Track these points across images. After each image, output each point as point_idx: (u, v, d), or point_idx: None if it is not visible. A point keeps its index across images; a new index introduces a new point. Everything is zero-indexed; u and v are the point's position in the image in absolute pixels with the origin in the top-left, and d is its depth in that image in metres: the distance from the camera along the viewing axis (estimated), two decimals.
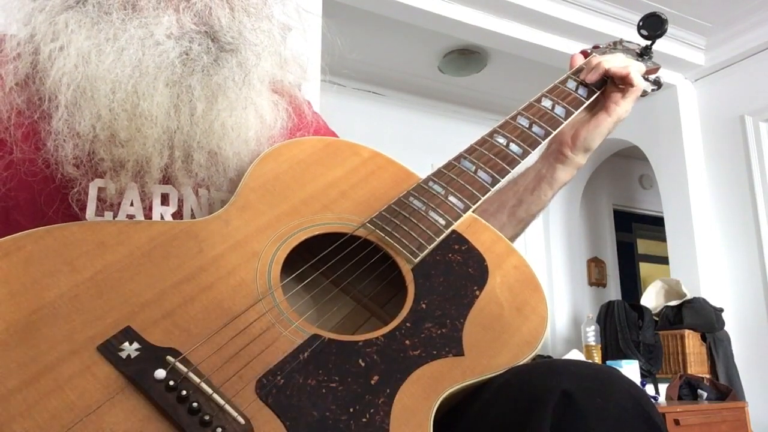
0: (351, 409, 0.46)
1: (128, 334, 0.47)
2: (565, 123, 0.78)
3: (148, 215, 0.65)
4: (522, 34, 2.83)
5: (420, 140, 3.38)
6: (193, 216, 0.67)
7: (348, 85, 3.38)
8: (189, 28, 0.64)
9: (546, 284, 3.90)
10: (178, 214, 0.66)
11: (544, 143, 0.76)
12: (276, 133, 0.73)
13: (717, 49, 3.12)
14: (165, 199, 0.66)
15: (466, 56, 3.22)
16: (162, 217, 0.65)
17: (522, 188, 0.83)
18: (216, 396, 0.44)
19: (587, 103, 0.82)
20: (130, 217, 0.64)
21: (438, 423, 0.49)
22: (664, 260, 3.47)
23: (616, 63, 0.81)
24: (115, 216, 0.63)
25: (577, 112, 0.79)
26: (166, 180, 0.66)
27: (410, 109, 3.60)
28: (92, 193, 0.63)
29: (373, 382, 0.49)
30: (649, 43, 0.90)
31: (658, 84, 0.90)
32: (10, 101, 0.62)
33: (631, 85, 0.80)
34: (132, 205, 0.64)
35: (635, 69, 0.81)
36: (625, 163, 4.34)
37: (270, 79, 0.74)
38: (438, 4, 2.63)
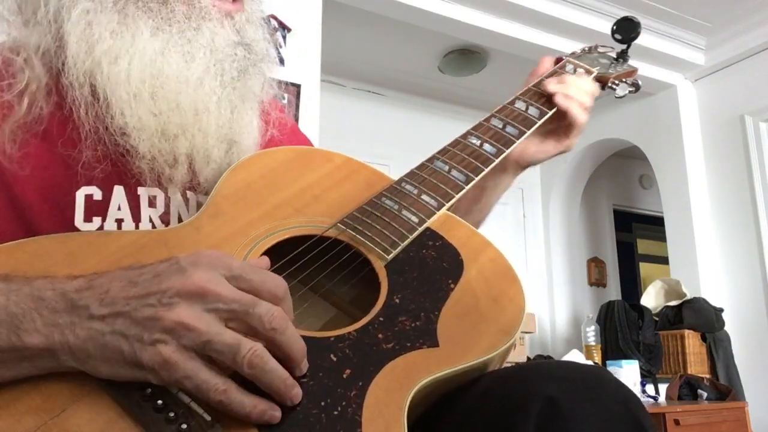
0: (322, 403, 0.45)
1: None
2: (540, 122, 0.80)
3: (136, 218, 0.65)
4: (522, 34, 2.83)
5: (420, 140, 3.38)
6: (180, 219, 0.68)
7: (348, 85, 3.38)
8: (233, 40, 0.69)
9: (546, 284, 3.90)
10: (165, 216, 0.67)
11: (518, 142, 0.77)
12: (255, 144, 0.75)
13: (717, 49, 3.12)
14: (152, 202, 0.66)
15: (466, 56, 3.22)
16: (150, 220, 0.66)
17: (468, 200, 0.84)
18: (181, 394, 0.43)
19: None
20: (119, 221, 0.64)
21: (420, 428, 0.48)
22: (664, 260, 3.47)
23: (568, 91, 0.81)
24: (103, 221, 0.64)
25: (551, 113, 0.81)
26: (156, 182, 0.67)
27: (410, 109, 3.60)
28: (79, 200, 0.63)
29: (345, 375, 0.48)
30: (624, 47, 0.91)
31: (636, 86, 0.91)
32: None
33: (573, 122, 0.82)
34: (119, 209, 0.65)
35: (577, 103, 0.81)
36: (625, 163, 4.35)
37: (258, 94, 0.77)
38: (438, 4, 2.63)
